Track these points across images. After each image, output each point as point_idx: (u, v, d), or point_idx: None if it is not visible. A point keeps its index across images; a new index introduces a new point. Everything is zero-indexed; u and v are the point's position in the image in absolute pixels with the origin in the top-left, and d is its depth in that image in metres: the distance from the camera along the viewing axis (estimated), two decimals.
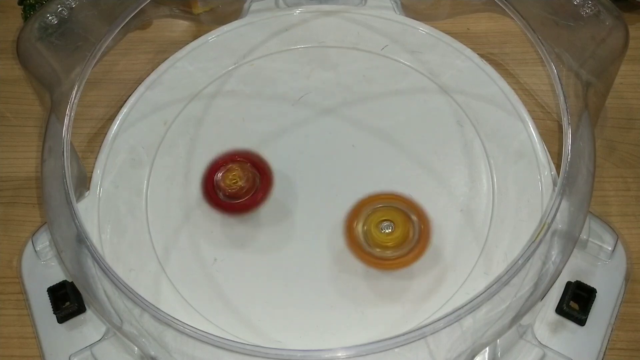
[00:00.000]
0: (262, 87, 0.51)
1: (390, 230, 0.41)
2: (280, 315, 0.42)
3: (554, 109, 0.51)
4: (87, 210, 0.46)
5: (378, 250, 0.41)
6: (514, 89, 0.50)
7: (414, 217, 0.42)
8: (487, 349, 0.39)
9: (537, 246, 0.39)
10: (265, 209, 0.46)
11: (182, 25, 0.57)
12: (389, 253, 0.41)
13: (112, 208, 0.46)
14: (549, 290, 0.39)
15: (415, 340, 0.36)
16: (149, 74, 0.52)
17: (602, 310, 0.42)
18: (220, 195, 0.43)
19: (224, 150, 0.45)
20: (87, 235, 0.40)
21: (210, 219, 0.45)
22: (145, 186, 0.47)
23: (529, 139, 0.47)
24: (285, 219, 0.45)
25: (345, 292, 0.42)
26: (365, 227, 0.41)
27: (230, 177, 0.43)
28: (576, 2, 0.47)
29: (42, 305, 0.43)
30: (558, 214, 0.40)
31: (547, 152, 0.47)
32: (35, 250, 0.45)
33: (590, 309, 0.42)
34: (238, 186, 0.42)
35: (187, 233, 0.45)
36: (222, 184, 0.43)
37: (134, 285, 0.38)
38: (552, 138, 0.49)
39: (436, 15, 0.55)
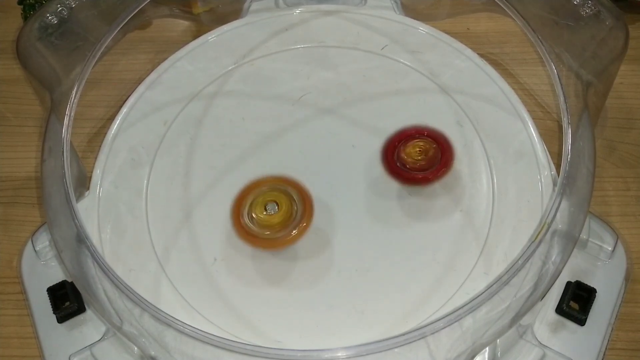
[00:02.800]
0: (262, 87, 0.51)
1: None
2: (280, 315, 0.42)
3: (554, 109, 0.51)
4: (87, 210, 0.46)
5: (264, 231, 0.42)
6: (514, 89, 0.50)
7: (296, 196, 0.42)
8: (487, 349, 0.39)
9: (537, 246, 0.39)
10: None
11: (182, 25, 0.57)
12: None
13: (112, 208, 0.46)
14: (549, 290, 0.39)
15: (415, 340, 0.36)
16: (149, 74, 0.52)
17: (602, 310, 0.42)
18: None
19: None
20: (87, 235, 0.40)
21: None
22: (145, 186, 0.47)
23: (529, 139, 0.47)
24: None
25: (345, 292, 0.42)
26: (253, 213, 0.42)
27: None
28: (576, 2, 0.47)
29: (42, 305, 0.43)
30: (558, 214, 0.40)
31: (547, 152, 0.47)
32: (35, 250, 0.45)
33: (590, 309, 0.42)
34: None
35: (187, 233, 0.45)
36: None
37: (134, 285, 0.38)
38: (552, 138, 0.49)
39: (436, 15, 0.55)
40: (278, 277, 0.43)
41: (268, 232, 0.42)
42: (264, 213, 0.42)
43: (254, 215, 0.42)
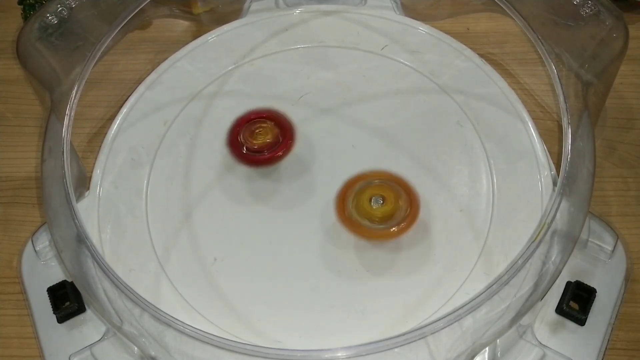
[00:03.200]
0: (262, 87, 0.51)
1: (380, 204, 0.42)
2: (280, 315, 0.42)
3: (554, 109, 0.51)
4: (87, 210, 0.46)
5: (367, 222, 0.42)
6: (514, 89, 0.50)
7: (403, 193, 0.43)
8: (487, 349, 0.39)
9: (537, 246, 0.39)
10: (266, 204, 0.46)
11: (182, 25, 0.57)
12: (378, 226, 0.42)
13: (112, 208, 0.46)
14: (548, 290, 0.39)
15: (415, 340, 0.36)
16: (149, 74, 0.52)
17: (602, 310, 0.42)
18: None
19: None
20: (87, 235, 0.40)
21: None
22: (145, 186, 0.47)
23: (529, 139, 0.47)
24: (283, 219, 0.45)
25: (345, 292, 0.42)
26: (355, 202, 0.43)
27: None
28: (576, 2, 0.47)
29: (42, 305, 0.43)
30: (558, 214, 0.40)
31: (547, 152, 0.47)
32: (35, 250, 0.45)
33: (590, 309, 0.41)
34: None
35: (187, 233, 0.45)
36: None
37: (134, 285, 0.38)
38: (552, 138, 0.49)
39: (436, 15, 0.55)
40: (278, 277, 0.43)
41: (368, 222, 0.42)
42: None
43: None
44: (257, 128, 0.46)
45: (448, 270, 0.43)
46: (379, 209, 0.42)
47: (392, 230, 0.42)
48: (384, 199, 0.42)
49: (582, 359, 0.41)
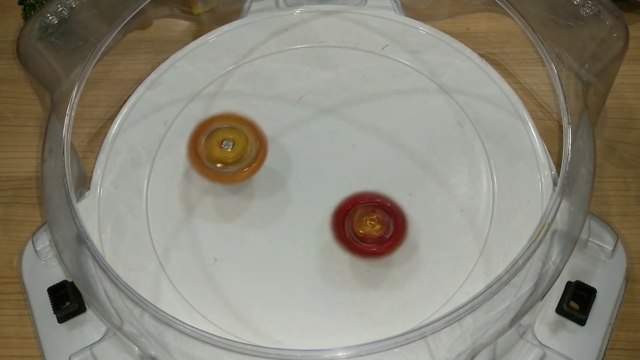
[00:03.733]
0: (262, 87, 0.51)
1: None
2: (280, 315, 0.42)
3: (554, 109, 0.51)
4: (87, 210, 0.46)
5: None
6: (514, 89, 0.50)
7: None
8: (487, 349, 0.39)
9: (537, 246, 0.39)
10: (266, 207, 0.46)
11: (182, 25, 0.57)
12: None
13: (112, 208, 0.46)
14: (549, 290, 0.39)
15: (415, 340, 0.36)
16: (149, 74, 0.52)
17: (602, 310, 0.42)
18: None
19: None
20: (87, 235, 0.40)
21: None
22: (145, 186, 0.47)
23: (529, 139, 0.47)
24: (284, 218, 0.45)
25: (345, 292, 0.42)
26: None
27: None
28: (576, 2, 0.47)
29: (42, 305, 0.43)
30: (558, 214, 0.40)
31: (547, 152, 0.47)
32: (35, 250, 0.45)
33: (590, 309, 0.42)
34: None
35: (187, 233, 0.45)
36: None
37: (134, 285, 0.38)
38: (552, 138, 0.49)
39: (436, 15, 0.55)
40: (278, 277, 0.43)
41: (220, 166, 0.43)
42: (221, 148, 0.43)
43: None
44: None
45: (448, 270, 0.43)
46: None
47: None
48: None
49: (582, 359, 0.41)
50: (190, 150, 0.44)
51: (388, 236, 0.41)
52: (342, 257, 0.43)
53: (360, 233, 0.41)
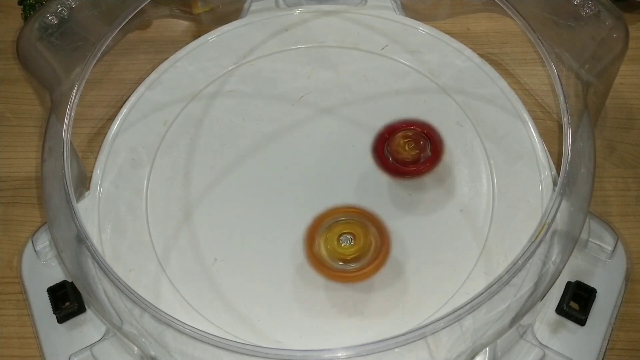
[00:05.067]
0: (262, 87, 0.51)
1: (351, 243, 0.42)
2: (280, 315, 0.42)
3: (554, 109, 0.51)
4: (87, 210, 0.46)
5: (340, 263, 0.42)
6: (514, 89, 0.50)
7: (374, 229, 0.43)
8: (487, 349, 0.39)
9: (537, 246, 0.39)
10: (267, 207, 0.46)
11: (182, 25, 0.57)
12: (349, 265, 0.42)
13: (112, 208, 0.46)
14: (549, 290, 0.39)
15: (415, 340, 0.36)
16: (149, 74, 0.52)
17: (602, 310, 0.42)
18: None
19: None
20: (87, 235, 0.40)
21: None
22: (145, 186, 0.47)
23: (529, 139, 0.47)
24: (284, 218, 0.45)
25: (345, 292, 0.42)
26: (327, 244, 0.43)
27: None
28: (576, 2, 0.47)
29: (42, 305, 0.43)
30: (558, 214, 0.40)
31: (547, 152, 0.47)
32: (35, 250, 0.45)
33: (590, 309, 0.42)
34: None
35: (187, 233, 0.45)
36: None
37: (134, 285, 0.38)
38: (552, 138, 0.49)
39: (436, 15, 0.55)
40: (278, 277, 0.43)
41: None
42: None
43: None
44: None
45: (448, 270, 0.43)
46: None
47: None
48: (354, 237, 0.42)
49: (582, 359, 0.41)
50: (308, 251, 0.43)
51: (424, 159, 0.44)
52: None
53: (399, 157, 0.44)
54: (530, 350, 0.40)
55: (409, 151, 0.45)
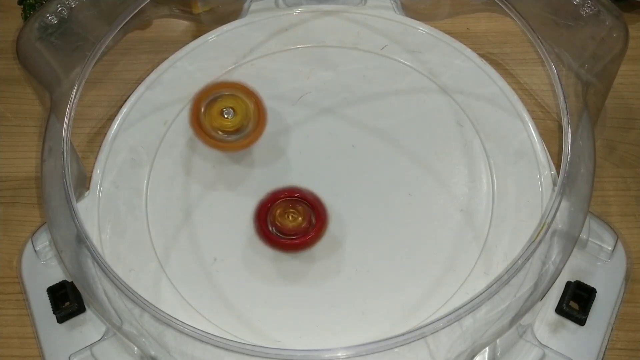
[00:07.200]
0: (262, 87, 0.51)
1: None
2: (280, 315, 0.42)
3: (554, 109, 0.51)
4: (87, 210, 0.46)
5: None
6: (514, 89, 0.50)
7: None
8: (487, 349, 0.39)
9: (537, 246, 0.39)
10: None
11: (182, 25, 0.57)
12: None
13: (112, 208, 0.46)
14: (548, 290, 0.39)
15: (415, 340, 0.36)
16: (149, 74, 0.52)
17: (602, 310, 0.42)
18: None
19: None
20: (87, 235, 0.40)
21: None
22: (145, 186, 0.47)
23: (529, 139, 0.47)
24: None
25: (345, 292, 0.42)
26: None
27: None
28: (576, 2, 0.47)
29: (42, 305, 0.43)
30: (558, 214, 0.40)
31: (547, 152, 0.47)
32: (35, 250, 0.45)
33: (590, 309, 0.42)
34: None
35: (187, 233, 0.45)
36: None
37: (134, 285, 0.38)
38: (552, 138, 0.49)
39: (436, 15, 0.55)
40: (278, 277, 0.43)
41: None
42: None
43: None
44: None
45: (448, 270, 0.43)
46: None
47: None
48: None
49: (582, 359, 0.41)
50: (193, 118, 0.44)
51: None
52: (342, 257, 0.43)
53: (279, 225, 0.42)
54: (530, 350, 0.40)
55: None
